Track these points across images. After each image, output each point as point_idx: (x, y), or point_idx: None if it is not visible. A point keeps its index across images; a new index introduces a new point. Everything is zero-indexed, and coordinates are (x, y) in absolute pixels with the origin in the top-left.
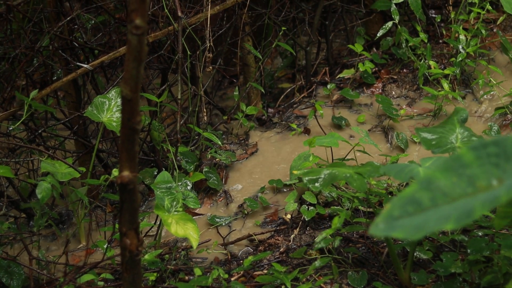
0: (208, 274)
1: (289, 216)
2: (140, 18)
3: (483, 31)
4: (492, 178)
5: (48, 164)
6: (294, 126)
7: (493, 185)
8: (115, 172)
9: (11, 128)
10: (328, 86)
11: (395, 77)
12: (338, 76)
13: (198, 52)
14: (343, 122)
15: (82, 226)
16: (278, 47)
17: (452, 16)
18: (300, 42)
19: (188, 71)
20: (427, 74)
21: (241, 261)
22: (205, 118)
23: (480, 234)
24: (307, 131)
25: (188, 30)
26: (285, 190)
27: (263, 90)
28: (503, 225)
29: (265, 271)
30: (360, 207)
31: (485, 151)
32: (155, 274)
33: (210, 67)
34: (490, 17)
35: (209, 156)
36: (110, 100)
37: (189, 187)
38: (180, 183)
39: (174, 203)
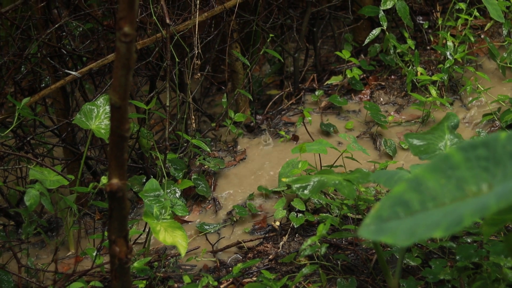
0: (197, 281)
1: (278, 223)
2: (128, 25)
3: (471, 38)
4: (481, 183)
5: (36, 172)
6: (282, 133)
7: (483, 190)
8: (104, 179)
9: None
10: (316, 93)
11: (383, 83)
12: (326, 83)
13: (186, 59)
14: (331, 128)
15: (71, 233)
16: (266, 53)
17: (440, 22)
18: (288, 48)
19: (176, 78)
20: (415, 80)
21: (230, 269)
22: (194, 125)
23: (469, 240)
24: (295, 138)
25: (176, 37)
26: (274, 197)
27: (251, 97)
28: (492, 232)
29: (254, 278)
30: (348, 214)
31: (474, 153)
32: (144, 281)
33: (198, 74)
34: (478, 24)
35: (198, 163)
36: (98, 107)
37: (177, 195)
38: (168, 191)
39: (163, 210)
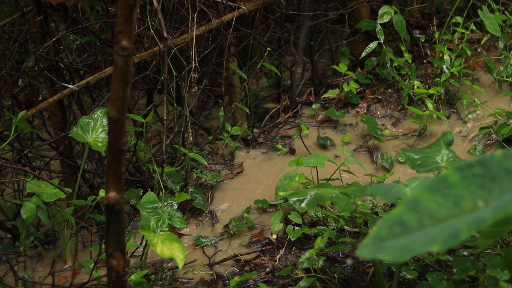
0: None
1: (274, 236)
2: (126, 39)
3: (468, 51)
4: (477, 199)
5: (33, 185)
6: (279, 146)
7: (479, 206)
8: (101, 193)
9: None
10: (313, 106)
11: (380, 97)
12: (323, 96)
13: (183, 73)
14: (328, 142)
15: (68, 246)
16: (263, 67)
17: (437, 36)
18: (285, 62)
19: (173, 91)
20: (411, 94)
21: (227, 282)
22: (191, 138)
23: (465, 253)
24: (292, 151)
25: (173, 51)
26: (270, 210)
27: (248, 111)
28: (488, 244)
29: None
30: (345, 227)
31: (471, 171)
32: None
33: (196, 88)
34: (474, 37)
35: (195, 176)
36: (95, 120)
37: (175, 207)
38: (166, 204)
39: (160, 223)
